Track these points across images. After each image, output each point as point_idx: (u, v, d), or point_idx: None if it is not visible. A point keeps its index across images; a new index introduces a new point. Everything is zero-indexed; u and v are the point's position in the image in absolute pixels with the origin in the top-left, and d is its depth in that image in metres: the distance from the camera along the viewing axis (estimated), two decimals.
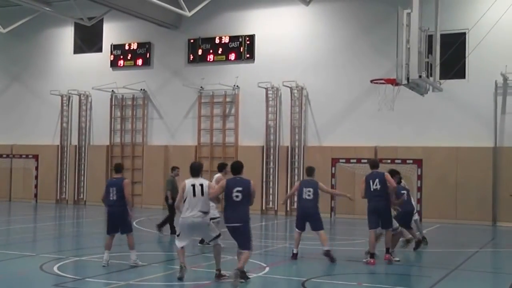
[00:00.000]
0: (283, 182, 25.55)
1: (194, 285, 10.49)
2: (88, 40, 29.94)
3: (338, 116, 25.12)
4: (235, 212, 10.32)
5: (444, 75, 19.81)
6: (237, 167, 10.62)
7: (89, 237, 17.89)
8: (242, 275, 10.09)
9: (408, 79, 15.36)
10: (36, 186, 29.82)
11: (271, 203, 25.67)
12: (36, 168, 29.90)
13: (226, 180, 10.63)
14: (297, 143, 25.62)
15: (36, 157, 29.92)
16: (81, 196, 29.27)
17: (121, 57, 28.85)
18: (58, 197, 29.69)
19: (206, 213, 10.38)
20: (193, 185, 10.36)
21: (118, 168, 12.36)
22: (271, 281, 11.05)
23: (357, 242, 16.37)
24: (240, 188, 10.33)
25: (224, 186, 10.46)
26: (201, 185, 10.37)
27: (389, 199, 12.80)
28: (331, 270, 12.31)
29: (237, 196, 10.29)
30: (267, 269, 11.83)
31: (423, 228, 20.41)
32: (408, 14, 15.48)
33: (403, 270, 12.78)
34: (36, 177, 29.86)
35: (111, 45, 29.05)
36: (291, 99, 25.62)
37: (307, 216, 12.97)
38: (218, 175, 14.08)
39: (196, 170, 10.61)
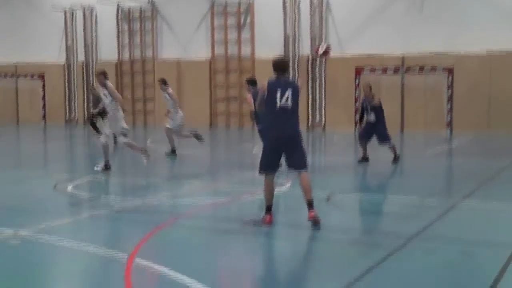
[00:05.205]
0: (303, 96, 24.04)
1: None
2: None
3: (362, 23, 23.25)
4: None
5: None
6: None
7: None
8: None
9: None
10: (44, 107, 28.69)
11: None
12: (43, 88, 28.67)
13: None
14: None
15: (42, 76, 28.60)
16: None
17: None
18: (67, 117, 28.55)
19: None
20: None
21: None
22: (292, 195, 9.81)
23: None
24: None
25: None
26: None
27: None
28: (356, 183, 12.01)
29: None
30: (289, 184, 10.58)
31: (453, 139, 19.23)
32: None
33: (433, 182, 11.87)
34: (44, 98, 28.70)
35: None
36: (310, 7, 23.77)
37: None
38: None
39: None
